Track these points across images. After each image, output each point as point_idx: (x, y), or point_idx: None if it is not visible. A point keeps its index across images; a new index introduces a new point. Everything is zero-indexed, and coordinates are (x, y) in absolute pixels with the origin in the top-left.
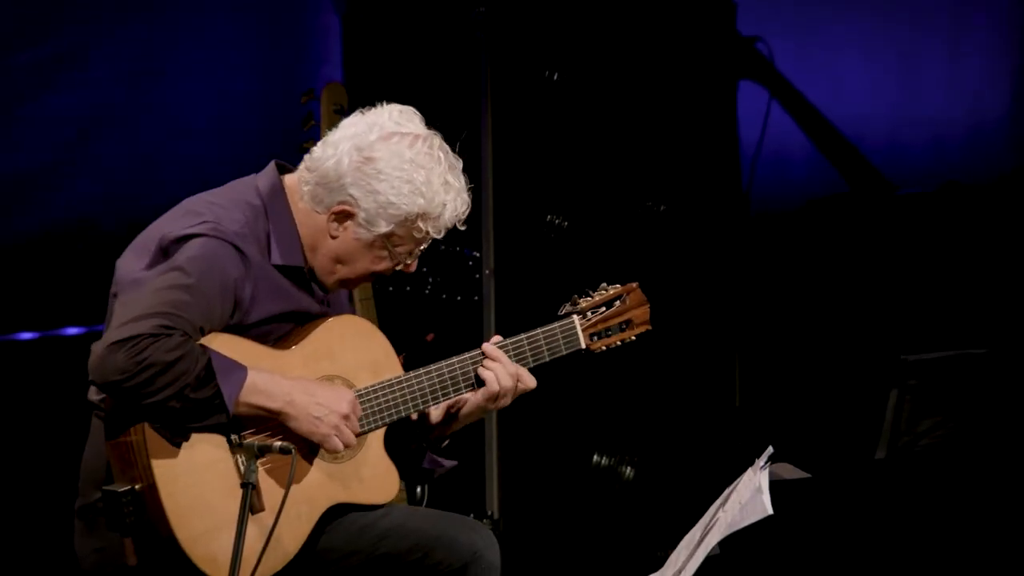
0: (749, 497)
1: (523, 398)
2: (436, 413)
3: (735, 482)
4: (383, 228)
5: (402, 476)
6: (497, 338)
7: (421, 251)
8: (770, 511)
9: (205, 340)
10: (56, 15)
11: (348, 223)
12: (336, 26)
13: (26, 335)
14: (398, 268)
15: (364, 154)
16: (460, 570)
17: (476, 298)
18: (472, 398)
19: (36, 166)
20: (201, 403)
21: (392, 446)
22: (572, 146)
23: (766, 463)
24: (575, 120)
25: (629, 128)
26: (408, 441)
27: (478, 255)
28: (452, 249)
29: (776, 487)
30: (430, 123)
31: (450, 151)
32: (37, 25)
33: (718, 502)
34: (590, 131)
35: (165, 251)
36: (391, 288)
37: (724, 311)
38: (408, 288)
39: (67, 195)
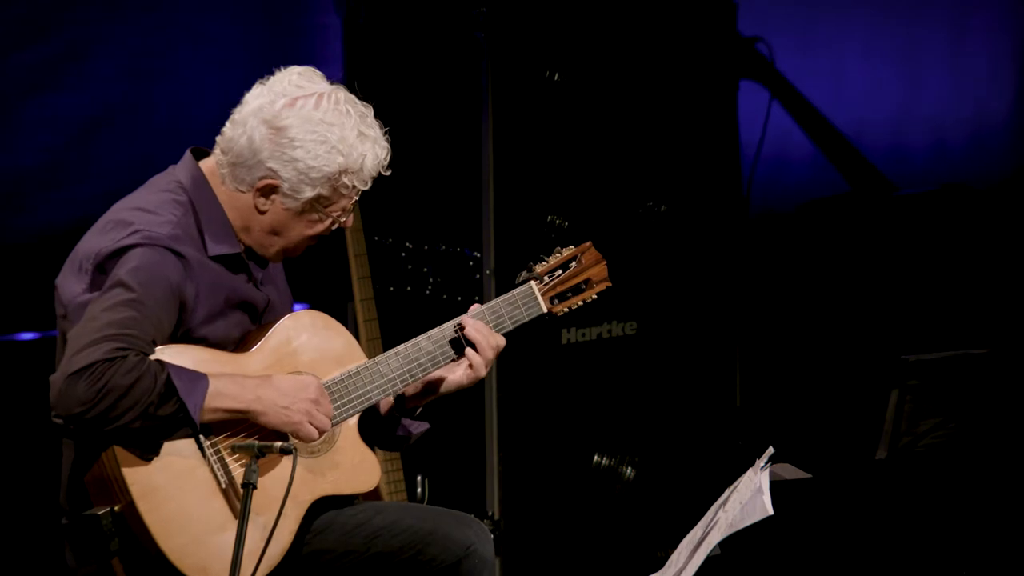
0: (750, 497)
1: (525, 399)
2: (411, 389)
3: (736, 482)
4: (308, 193)
5: (376, 446)
6: (476, 307)
7: (354, 205)
8: (770, 511)
9: (165, 355)
10: (56, 14)
11: (274, 196)
12: (337, 26)
13: (27, 335)
14: (335, 227)
15: (273, 124)
16: (454, 565)
17: (477, 298)
18: (451, 376)
19: (36, 165)
20: (166, 419)
21: (363, 419)
22: (573, 147)
23: (767, 463)
24: (576, 121)
25: (630, 129)
26: (378, 412)
27: (479, 255)
28: (452, 250)
29: (777, 487)
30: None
31: (357, 101)
32: (37, 24)
33: (719, 502)
34: (591, 132)
35: (102, 268)
36: (392, 288)
37: (724, 311)
38: (408, 288)
39: (68, 195)
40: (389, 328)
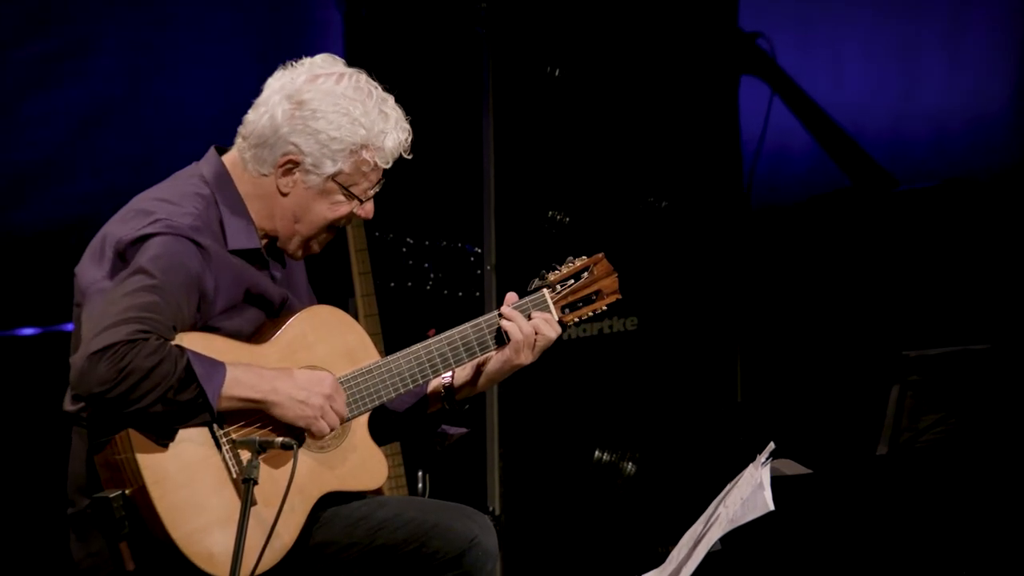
0: (750, 493)
1: (526, 394)
2: (463, 373)
3: (736, 478)
4: (330, 168)
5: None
6: (513, 296)
7: (375, 192)
8: (771, 507)
9: (182, 341)
10: (57, 10)
11: (296, 173)
12: (338, 21)
13: (27, 331)
14: (358, 213)
15: (295, 99)
16: (457, 558)
17: (477, 294)
18: (497, 355)
19: (37, 161)
20: (185, 404)
21: (397, 416)
22: (573, 142)
23: (768, 459)
24: (577, 116)
25: (631, 124)
26: (423, 407)
27: (479, 251)
28: (453, 245)
29: (777, 483)
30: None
31: (378, 85)
32: (38, 20)
33: (719, 498)
34: (592, 127)
35: (122, 255)
36: (392, 284)
37: (725, 307)
38: (409, 284)
39: (68, 190)
40: (390, 324)
